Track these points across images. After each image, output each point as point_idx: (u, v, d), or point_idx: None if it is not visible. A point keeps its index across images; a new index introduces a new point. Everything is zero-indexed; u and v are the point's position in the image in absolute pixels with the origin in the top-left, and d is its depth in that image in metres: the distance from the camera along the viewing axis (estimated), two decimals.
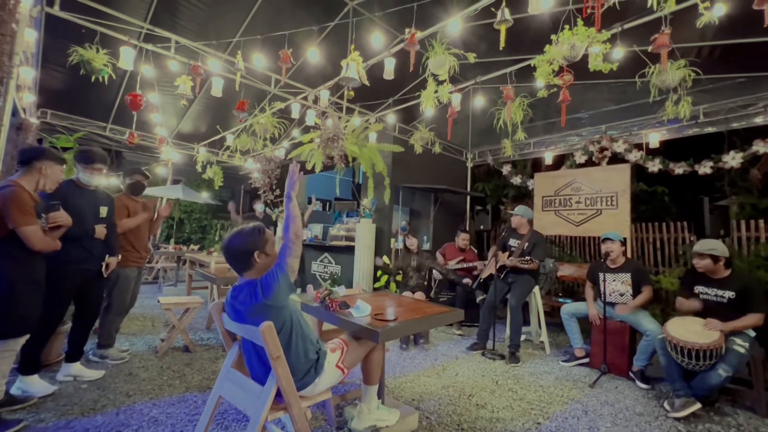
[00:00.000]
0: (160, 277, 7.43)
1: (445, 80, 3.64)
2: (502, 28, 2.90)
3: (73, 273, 2.62)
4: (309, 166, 5.98)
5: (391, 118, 6.08)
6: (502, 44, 2.90)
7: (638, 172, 6.13)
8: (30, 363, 2.50)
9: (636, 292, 3.41)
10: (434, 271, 4.63)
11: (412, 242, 4.58)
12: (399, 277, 4.75)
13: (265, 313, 1.68)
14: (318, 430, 2.27)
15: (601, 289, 3.44)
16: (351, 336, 2.09)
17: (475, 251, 5.49)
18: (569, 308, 3.73)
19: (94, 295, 2.86)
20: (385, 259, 5.47)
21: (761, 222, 4.80)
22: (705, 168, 4.87)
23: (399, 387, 2.96)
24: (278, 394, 1.67)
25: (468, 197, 7.73)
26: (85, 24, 3.66)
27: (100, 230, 2.74)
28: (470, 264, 5.06)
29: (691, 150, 5.24)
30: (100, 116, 6.56)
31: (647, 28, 3.10)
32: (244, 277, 1.81)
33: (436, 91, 3.84)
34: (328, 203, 11.47)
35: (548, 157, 6.43)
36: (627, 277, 3.47)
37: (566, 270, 5.31)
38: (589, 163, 5.80)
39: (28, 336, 2.27)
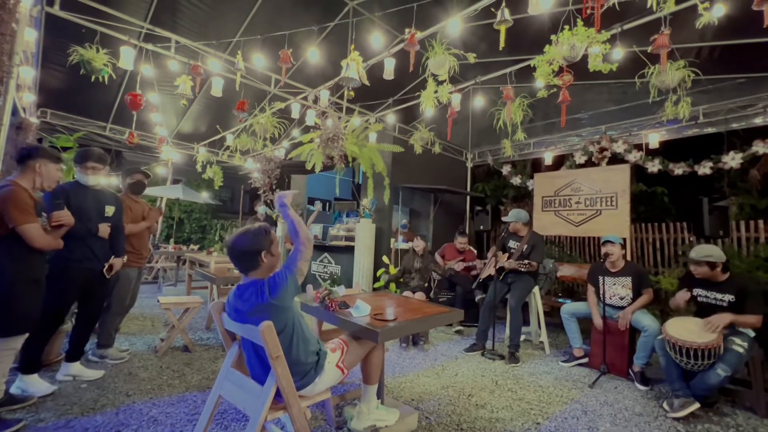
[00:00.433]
0: (159, 276, 7.43)
1: (445, 80, 3.65)
2: (502, 29, 2.91)
3: (76, 271, 2.62)
4: (309, 166, 5.99)
5: (390, 118, 6.09)
6: (501, 44, 2.91)
7: (638, 173, 6.14)
8: (31, 362, 2.50)
9: (636, 295, 3.41)
10: (434, 272, 4.63)
11: (419, 244, 4.57)
12: (401, 278, 4.75)
13: (268, 312, 1.69)
14: (317, 430, 2.27)
15: (601, 291, 3.44)
16: (351, 336, 2.09)
17: (475, 251, 5.49)
18: (569, 308, 3.73)
19: (97, 295, 2.86)
20: (385, 259, 5.47)
21: (761, 222, 4.81)
22: (704, 168, 4.87)
23: (398, 387, 2.96)
24: (278, 394, 1.67)
25: (468, 197, 7.73)
26: (85, 24, 3.66)
27: (104, 229, 2.74)
28: (469, 263, 5.06)
29: (690, 150, 5.25)
30: (100, 116, 6.56)
31: (647, 29, 3.10)
32: (248, 277, 1.81)
33: (436, 92, 3.84)
34: (327, 203, 11.48)
35: (548, 158, 6.44)
36: (627, 281, 3.46)
37: (566, 270, 5.31)
38: (589, 163, 5.80)
39: (27, 335, 2.27)
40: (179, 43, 4.18)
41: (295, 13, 4.29)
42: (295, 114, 5.47)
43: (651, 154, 5.30)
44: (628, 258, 4.63)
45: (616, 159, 5.54)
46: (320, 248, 6.54)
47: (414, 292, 4.34)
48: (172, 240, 9.44)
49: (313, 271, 6.67)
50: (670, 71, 3.16)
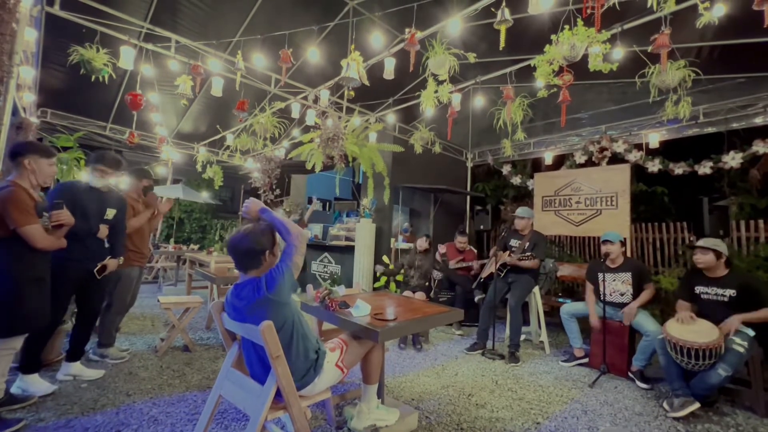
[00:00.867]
0: (159, 276, 7.43)
1: (445, 80, 3.65)
2: (502, 28, 2.90)
3: (74, 271, 2.63)
4: (309, 166, 5.99)
5: (391, 117, 6.08)
6: (502, 44, 2.91)
7: (638, 173, 6.13)
8: (31, 362, 2.51)
9: (637, 291, 3.40)
10: (434, 270, 4.63)
11: (423, 242, 4.57)
12: (399, 277, 4.75)
13: (266, 308, 1.69)
14: (317, 430, 2.27)
15: (601, 289, 3.44)
16: (351, 335, 2.09)
17: (475, 251, 5.49)
18: (569, 308, 3.73)
19: (95, 295, 2.86)
20: (385, 258, 5.47)
21: (761, 222, 4.81)
22: (705, 168, 4.87)
23: (399, 386, 2.96)
24: (278, 394, 1.67)
25: (468, 197, 7.73)
26: (85, 23, 3.66)
27: (103, 230, 2.75)
28: (469, 263, 5.07)
29: (690, 150, 5.24)
30: (100, 116, 6.56)
31: (647, 29, 3.10)
32: (247, 275, 1.81)
33: (436, 91, 3.84)
34: (327, 203, 11.47)
35: (548, 157, 6.44)
36: (627, 276, 3.46)
37: (566, 270, 5.31)
38: (589, 163, 5.80)
39: (27, 335, 2.27)
40: (179, 43, 4.18)
41: (295, 12, 4.29)
42: (295, 114, 5.47)
43: (651, 153, 5.29)
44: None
45: (616, 159, 5.53)
46: (320, 248, 6.54)
47: (414, 292, 4.34)
48: (172, 240, 9.46)
49: (313, 270, 6.68)
50: (670, 71, 3.16)
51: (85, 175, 2.83)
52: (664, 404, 2.73)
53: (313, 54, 3.97)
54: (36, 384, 2.50)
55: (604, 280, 3.43)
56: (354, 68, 3.45)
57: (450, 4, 3.80)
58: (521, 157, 7.16)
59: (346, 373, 1.99)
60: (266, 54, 4.22)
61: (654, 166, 5.22)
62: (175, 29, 4.27)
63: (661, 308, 4.60)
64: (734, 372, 2.55)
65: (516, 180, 6.93)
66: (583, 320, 3.70)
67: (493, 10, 3.02)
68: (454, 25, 3.36)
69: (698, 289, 2.95)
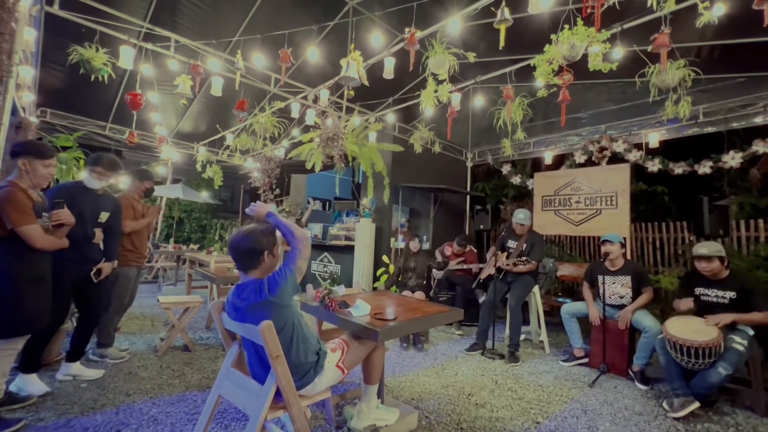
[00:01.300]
0: (159, 276, 7.43)
1: (444, 80, 3.64)
2: (502, 28, 2.90)
3: (70, 273, 2.61)
4: (309, 166, 5.99)
5: (390, 117, 6.08)
6: (501, 44, 2.90)
7: (638, 172, 6.14)
8: (31, 361, 2.50)
9: (636, 294, 3.40)
10: (433, 270, 4.63)
11: (416, 244, 4.58)
12: (398, 278, 4.75)
13: (267, 311, 1.69)
14: (317, 430, 2.27)
15: (601, 291, 3.44)
16: (351, 336, 2.09)
17: (475, 251, 5.49)
18: (569, 308, 3.73)
19: (94, 297, 2.85)
20: (385, 258, 5.47)
21: (761, 222, 4.81)
22: (704, 168, 4.87)
23: (398, 386, 2.96)
24: (278, 393, 1.67)
25: (468, 197, 7.73)
26: (84, 23, 3.66)
27: (98, 234, 2.75)
28: (469, 266, 5.07)
29: (690, 150, 5.24)
30: (99, 115, 6.55)
31: (647, 28, 3.10)
32: (248, 276, 1.81)
33: (435, 91, 3.84)
34: (327, 203, 11.47)
35: (548, 157, 6.44)
36: (627, 279, 3.46)
37: (566, 270, 5.31)
38: (589, 162, 5.80)
39: (29, 335, 2.27)
40: (179, 43, 4.18)
41: (295, 12, 4.28)
42: (295, 113, 5.47)
43: (651, 153, 5.29)
44: (628, 258, 4.64)
45: (616, 158, 5.53)
46: (320, 248, 6.54)
47: (413, 292, 4.34)
48: (172, 239, 9.46)
49: (313, 270, 6.68)
50: (670, 70, 3.16)
51: (82, 175, 2.80)
52: (664, 404, 2.73)
53: (313, 53, 3.97)
54: (33, 384, 2.49)
55: (603, 283, 3.43)
56: (354, 68, 3.45)
57: (450, 4, 3.79)
58: (521, 157, 7.16)
59: (346, 374, 1.99)
60: (266, 53, 4.22)
61: (654, 165, 5.22)
62: (174, 29, 4.27)
63: (661, 308, 4.60)
64: (734, 371, 2.55)
65: (516, 180, 6.93)
66: (583, 320, 3.69)
67: (492, 9, 3.02)
68: (454, 24, 3.36)
69: (698, 290, 2.95)
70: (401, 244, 6.04)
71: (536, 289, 4.10)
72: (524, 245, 3.91)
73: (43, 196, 2.37)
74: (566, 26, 2.83)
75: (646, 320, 3.19)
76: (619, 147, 5.49)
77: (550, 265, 4.72)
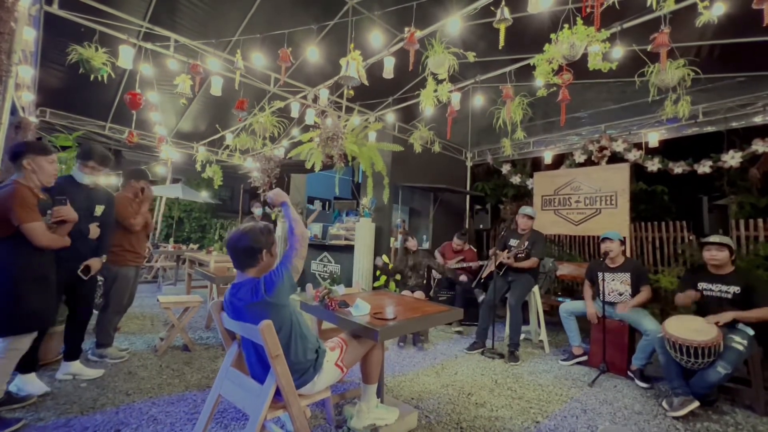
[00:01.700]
0: (159, 276, 7.43)
1: (444, 79, 3.64)
2: (502, 27, 2.90)
3: (63, 272, 2.57)
4: (308, 165, 5.99)
5: (390, 117, 6.08)
6: (501, 43, 2.90)
7: (637, 172, 6.14)
8: (28, 361, 2.49)
9: (635, 291, 3.41)
10: (433, 270, 4.63)
11: (413, 243, 4.58)
12: (397, 277, 4.75)
13: (265, 310, 1.69)
14: (317, 429, 2.27)
15: (600, 288, 3.44)
16: (350, 335, 2.09)
17: (474, 250, 5.50)
18: (568, 307, 3.74)
19: (85, 294, 2.82)
20: (385, 258, 5.47)
21: (760, 221, 4.81)
22: (704, 167, 4.87)
23: (398, 386, 2.96)
24: (277, 393, 1.67)
25: (467, 196, 7.73)
26: (84, 23, 3.65)
27: (94, 230, 2.73)
28: (469, 264, 5.08)
29: (690, 149, 5.25)
30: (99, 115, 6.55)
31: (646, 28, 3.10)
32: (245, 274, 1.82)
33: (435, 90, 3.84)
34: (327, 202, 11.48)
35: (548, 157, 6.44)
36: (626, 276, 3.47)
37: (565, 269, 5.32)
38: (589, 162, 5.80)
39: (34, 334, 2.27)
40: (178, 42, 4.18)
41: (295, 12, 4.28)
42: (295, 113, 5.46)
43: (651, 152, 5.30)
44: (628, 256, 4.64)
45: (615, 158, 5.54)
46: (320, 247, 6.54)
47: (413, 291, 4.34)
48: (171, 239, 9.46)
49: (312, 270, 6.68)
50: (669, 70, 3.16)
51: (72, 171, 2.75)
52: (664, 403, 2.74)
53: (313, 53, 3.96)
54: (32, 383, 2.49)
55: (603, 280, 3.44)
56: (353, 67, 3.44)
57: (449, 3, 3.79)
58: (521, 157, 7.16)
59: (345, 372, 1.99)
60: (265, 53, 4.21)
61: (653, 165, 5.22)
62: (174, 28, 4.27)
63: (661, 307, 4.61)
64: (734, 370, 2.55)
65: (515, 179, 6.93)
66: (582, 319, 3.70)
67: (492, 9, 3.02)
68: (454, 24, 3.36)
69: (702, 285, 2.96)
70: (401, 244, 6.04)
71: (536, 288, 4.10)
72: (525, 243, 3.92)
73: (47, 195, 2.37)
74: (566, 26, 2.83)
75: (646, 323, 3.19)
76: (618, 146, 5.49)
77: (549, 265, 4.72)
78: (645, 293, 3.37)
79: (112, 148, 7.34)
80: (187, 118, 6.95)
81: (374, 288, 5.43)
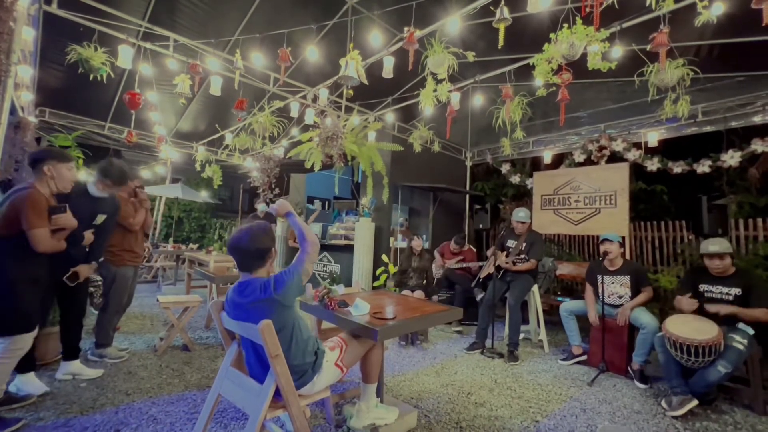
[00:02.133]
0: (159, 275, 7.43)
1: (444, 79, 3.64)
2: (501, 27, 2.90)
3: (54, 272, 2.53)
4: (308, 165, 5.99)
5: (390, 116, 6.07)
6: (501, 43, 2.90)
7: (637, 171, 6.14)
8: (25, 361, 2.49)
9: (635, 294, 3.41)
10: (432, 270, 4.64)
11: (418, 243, 4.57)
12: (401, 277, 4.75)
13: (269, 309, 1.69)
14: (317, 429, 2.27)
15: (600, 291, 3.44)
16: (350, 334, 2.09)
17: (474, 250, 5.50)
18: (568, 306, 3.74)
19: (77, 295, 2.79)
20: (384, 258, 5.48)
21: (759, 221, 4.81)
22: (703, 167, 4.87)
23: (398, 385, 2.96)
24: (277, 393, 1.67)
25: (467, 196, 7.73)
26: (83, 22, 3.65)
27: (88, 237, 2.70)
28: (468, 264, 5.08)
29: (689, 149, 5.25)
30: (98, 115, 6.54)
31: (646, 27, 3.09)
32: (251, 275, 1.80)
33: (435, 90, 3.83)
34: (327, 202, 11.47)
35: (547, 156, 6.44)
36: (626, 279, 3.47)
37: (565, 269, 5.32)
38: (588, 162, 5.80)
39: (34, 334, 2.27)
40: (178, 42, 4.17)
41: (294, 11, 4.27)
42: (294, 113, 5.46)
43: (650, 152, 5.30)
44: (627, 256, 4.65)
45: (615, 157, 5.54)
46: (320, 247, 6.53)
47: (413, 291, 4.34)
48: (171, 239, 9.45)
49: (312, 269, 6.68)
50: (669, 69, 3.16)
51: (87, 182, 2.77)
52: (663, 402, 2.74)
53: (312, 53, 3.96)
54: (31, 383, 2.49)
55: (603, 282, 3.44)
56: (353, 67, 3.44)
57: (449, 3, 3.79)
58: (520, 156, 7.17)
59: (345, 372, 1.99)
60: (265, 53, 4.21)
61: (653, 164, 5.22)
62: (173, 28, 4.26)
63: (660, 307, 4.61)
64: (734, 369, 2.56)
65: (515, 179, 6.94)
66: (581, 318, 3.70)
67: (492, 8, 3.02)
68: (453, 23, 3.36)
69: (703, 287, 2.96)
70: (401, 244, 6.04)
71: (535, 288, 4.10)
72: (524, 244, 3.92)
73: (57, 202, 2.37)
74: (565, 25, 2.83)
75: (643, 317, 3.20)
76: (618, 146, 5.49)
77: (549, 264, 4.72)
78: (645, 295, 3.37)
79: (112, 147, 7.34)
80: (186, 117, 6.95)
81: (374, 288, 5.44)
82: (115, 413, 2.33)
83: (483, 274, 4.35)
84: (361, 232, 5.56)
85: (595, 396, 2.91)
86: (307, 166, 6.01)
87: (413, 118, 6.55)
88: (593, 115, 5.80)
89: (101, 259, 2.98)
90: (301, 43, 4.45)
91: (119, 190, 2.86)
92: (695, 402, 2.59)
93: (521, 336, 4.01)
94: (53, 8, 3.48)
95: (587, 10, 2.67)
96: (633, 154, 5.38)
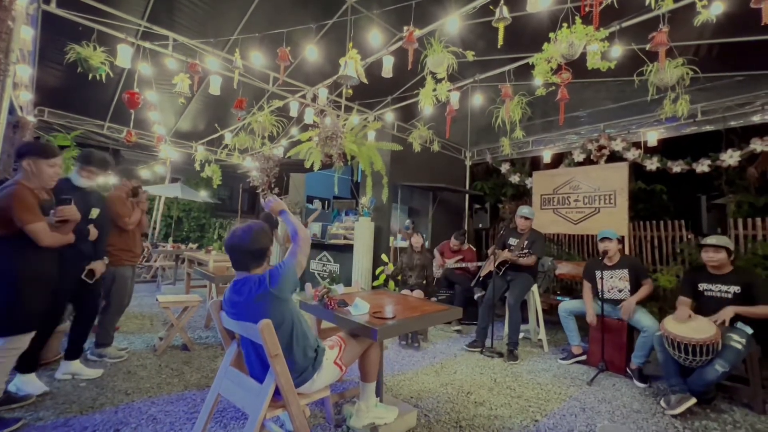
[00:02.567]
0: (158, 275, 7.42)
1: (443, 78, 3.64)
2: (501, 26, 2.90)
3: (68, 272, 2.59)
4: (307, 165, 5.98)
5: (389, 116, 6.06)
6: (500, 42, 2.90)
7: (636, 171, 6.14)
8: (29, 361, 2.50)
9: (634, 287, 3.42)
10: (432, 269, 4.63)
11: (418, 240, 4.57)
12: (399, 276, 4.75)
13: (266, 304, 1.69)
14: (317, 428, 2.27)
15: (599, 286, 3.45)
16: (349, 333, 2.10)
17: (474, 249, 5.50)
18: (567, 306, 3.74)
19: (91, 294, 2.85)
20: (384, 257, 5.48)
21: (758, 220, 4.82)
22: (703, 166, 4.88)
23: (397, 385, 2.96)
24: (276, 392, 1.67)
25: (467, 196, 7.73)
26: (82, 22, 3.64)
27: (93, 232, 2.74)
28: (468, 264, 5.09)
29: (688, 148, 5.25)
30: (97, 114, 6.53)
31: (645, 27, 3.09)
32: (250, 273, 1.81)
33: (434, 90, 3.83)
34: (326, 202, 11.47)
35: (547, 156, 6.44)
36: (624, 273, 3.48)
37: (564, 268, 5.32)
38: (588, 161, 5.81)
39: (32, 334, 2.27)
40: (177, 41, 4.16)
41: (293, 10, 4.27)
42: (294, 112, 5.45)
43: (649, 152, 5.30)
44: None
45: (614, 157, 5.54)
46: (319, 247, 6.53)
47: (412, 290, 4.34)
48: (170, 239, 9.44)
49: (312, 269, 6.68)
50: (668, 69, 3.16)
51: (71, 173, 2.76)
52: (662, 402, 2.74)
53: (312, 52, 3.96)
54: (31, 383, 2.49)
55: (602, 278, 3.45)
56: (352, 66, 3.44)
57: (448, 2, 3.79)
58: (520, 156, 7.17)
59: (344, 371, 1.99)
60: (264, 52, 4.21)
61: (652, 164, 5.23)
62: (172, 27, 4.25)
63: (660, 306, 4.61)
64: (731, 368, 2.56)
65: (515, 178, 6.94)
66: (581, 318, 3.70)
67: (491, 8, 3.01)
68: (453, 23, 3.35)
69: (702, 285, 2.96)
70: (400, 243, 6.03)
71: (535, 287, 4.11)
72: (525, 242, 3.92)
73: (51, 195, 2.37)
74: (565, 24, 2.83)
75: (645, 319, 3.20)
76: (617, 145, 5.50)
77: (548, 264, 4.72)
78: (646, 287, 3.37)
79: (111, 147, 7.33)
80: (185, 117, 6.94)
81: (373, 287, 5.44)
82: (114, 413, 2.33)
83: (483, 273, 4.35)
84: (361, 231, 5.56)
85: (594, 395, 2.91)
86: (307, 165, 6.00)
87: (413, 118, 6.54)
88: (593, 114, 5.80)
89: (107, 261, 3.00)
90: (301, 43, 4.44)
91: (103, 176, 2.83)
92: (693, 400, 2.59)
93: (521, 335, 4.02)
94: (52, 7, 3.47)
95: (587, 9, 2.67)
96: (632, 154, 5.38)
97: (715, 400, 2.82)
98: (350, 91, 4.39)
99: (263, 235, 1.81)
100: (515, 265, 3.90)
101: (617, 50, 3.15)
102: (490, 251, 4.23)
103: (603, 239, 3.58)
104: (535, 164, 7.27)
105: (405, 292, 4.29)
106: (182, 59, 4.16)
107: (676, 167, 5.06)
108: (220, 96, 4.57)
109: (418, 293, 4.21)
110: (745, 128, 4.90)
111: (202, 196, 9.45)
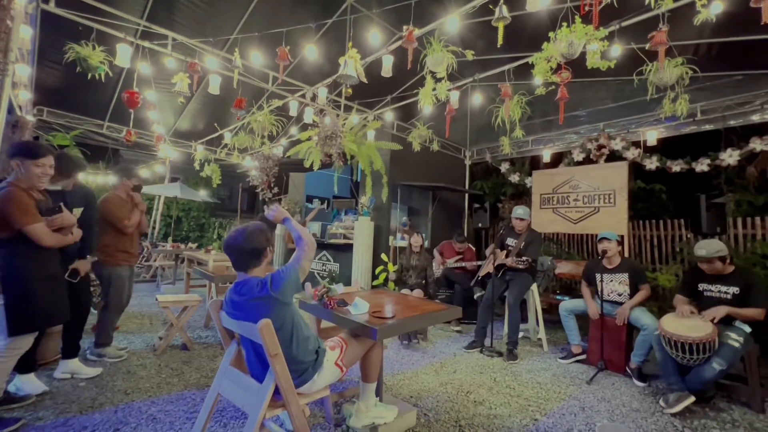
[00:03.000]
0: (158, 275, 7.42)
1: (443, 78, 3.63)
2: (500, 26, 2.89)
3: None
4: (307, 164, 5.98)
5: (389, 115, 6.06)
6: (500, 42, 2.90)
7: (636, 170, 6.15)
8: (27, 361, 2.49)
9: (633, 291, 3.43)
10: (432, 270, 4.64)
11: (417, 240, 4.57)
12: (401, 275, 4.75)
13: (267, 306, 1.69)
14: (316, 428, 2.28)
15: (599, 289, 3.45)
16: (350, 334, 2.10)
17: (474, 249, 5.50)
18: (567, 305, 3.75)
19: (81, 293, 2.81)
20: (383, 257, 5.48)
21: (758, 219, 4.82)
22: (702, 166, 4.88)
23: (397, 384, 2.97)
24: (276, 391, 1.67)
25: (466, 195, 7.73)
26: (81, 21, 3.63)
27: (77, 232, 2.64)
28: (465, 264, 5.09)
29: (688, 148, 5.26)
30: (96, 114, 6.52)
31: (645, 26, 3.09)
32: (248, 274, 1.82)
33: (434, 89, 3.83)
34: (326, 201, 11.46)
35: (546, 155, 6.44)
36: (624, 277, 3.48)
37: (564, 267, 5.33)
38: (587, 160, 5.81)
39: (35, 334, 2.26)
40: (176, 41, 4.16)
41: (293, 10, 4.26)
42: (293, 112, 5.44)
43: (649, 151, 5.31)
44: (626, 255, 4.66)
45: (614, 156, 5.54)
46: (319, 246, 6.53)
47: (412, 290, 4.34)
48: (170, 238, 9.43)
49: (311, 269, 6.67)
50: (668, 68, 3.16)
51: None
52: (660, 401, 2.75)
53: (311, 51, 3.95)
54: (31, 383, 2.49)
55: (602, 281, 3.45)
56: (352, 66, 3.43)
57: (448, 1, 3.79)
58: (519, 155, 7.17)
59: (344, 372, 2.00)
60: (264, 51, 4.20)
61: (652, 163, 5.23)
62: (171, 27, 4.25)
63: (659, 305, 4.62)
64: (729, 366, 2.57)
65: (514, 178, 6.94)
66: (581, 317, 3.71)
67: (491, 7, 3.01)
68: (452, 22, 3.35)
69: (701, 286, 2.97)
70: (400, 242, 6.04)
71: (534, 287, 4.11)
72: (523, 243, 3.92)
73: (45, 194, 2.35)
74: (564, 24, 2.83)
75: (644, 318, 3.21)
76: (617, 145, 5.50)
77: (548, 263, 4.73)
78: (643, 292, 3.38)
79: (110, 146, 7.32)
80: (185, 116, 6.93)
81: (373, 286, 5.44)
82: (114, 412, 2.33)
83: (482, 273, 4.36)
84: (360, 231, 5.56)
85: (593, 394, 2.91)
86: (306, 165, 6.00)
87: (412, 117, 6.54)
88: (592, 113, 5.80)
89: (95, 259, 2.98)
90: (300, 42, 4.44)
91: (67, 180, 2.75)
92: (692, 399, 2.60)
93: (520, 335, 4.02)
94: (51, 7, 3.47)
95: (586, 8, 2.67)
96: (632, 153, 5.38)
97: (713, 398, 2.82)
98: (350, 90, 4.39)
99: (258, 235, 1.81)
100: (512, 267, 3.91)
101: (617, 49, 3.15)
102: (489, 250, 4.23)
103: (602, 239, 3.58)
104: (535, 163, 7.28)
105: (405, 291, 4.29)
106: (181, 58, 4.15)
107: (676, 166, 5.06)
108: (219, 95, 4.56)
109: (417, 293, 4.21)
110: (744, 127, 4.90)
111: (202, 195, 9.44)
